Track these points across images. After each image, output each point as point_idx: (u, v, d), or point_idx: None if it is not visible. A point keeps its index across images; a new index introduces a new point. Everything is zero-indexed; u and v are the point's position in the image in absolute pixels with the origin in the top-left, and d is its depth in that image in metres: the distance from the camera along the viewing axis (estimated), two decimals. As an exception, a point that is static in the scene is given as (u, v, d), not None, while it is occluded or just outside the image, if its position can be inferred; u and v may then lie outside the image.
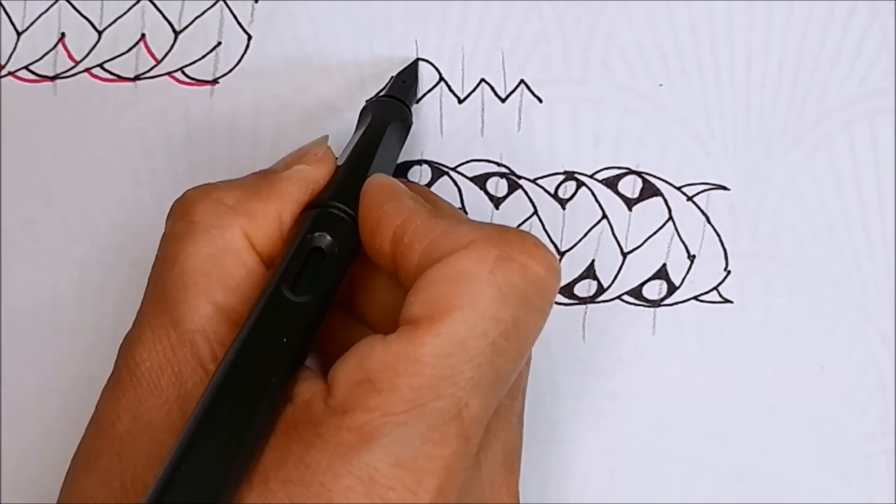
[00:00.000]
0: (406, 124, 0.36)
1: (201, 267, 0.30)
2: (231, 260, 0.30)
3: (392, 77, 0.38)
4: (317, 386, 0.28)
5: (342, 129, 0.38)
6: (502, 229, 0.29)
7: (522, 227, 0.38)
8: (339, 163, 0.33)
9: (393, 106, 0.36)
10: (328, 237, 0.30)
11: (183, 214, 0.31)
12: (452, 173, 0.38)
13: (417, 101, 0.38)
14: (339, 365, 0.28)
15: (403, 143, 0.36)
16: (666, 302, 0.38)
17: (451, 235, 0.29)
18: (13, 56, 0.39)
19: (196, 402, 0.28)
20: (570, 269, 0.37)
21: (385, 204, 0.30)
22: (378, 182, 0.32)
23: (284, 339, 0.28)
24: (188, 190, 0.31)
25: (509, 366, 0.29)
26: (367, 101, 0.36)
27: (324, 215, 0.31)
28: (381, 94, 0.37)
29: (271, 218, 0.31)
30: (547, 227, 0.38)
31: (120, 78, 0.38)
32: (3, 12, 0.39)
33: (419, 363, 0.27)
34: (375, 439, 0.27)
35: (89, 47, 0.39)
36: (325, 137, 0.34)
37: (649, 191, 0.38)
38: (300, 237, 0.30)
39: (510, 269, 0.28)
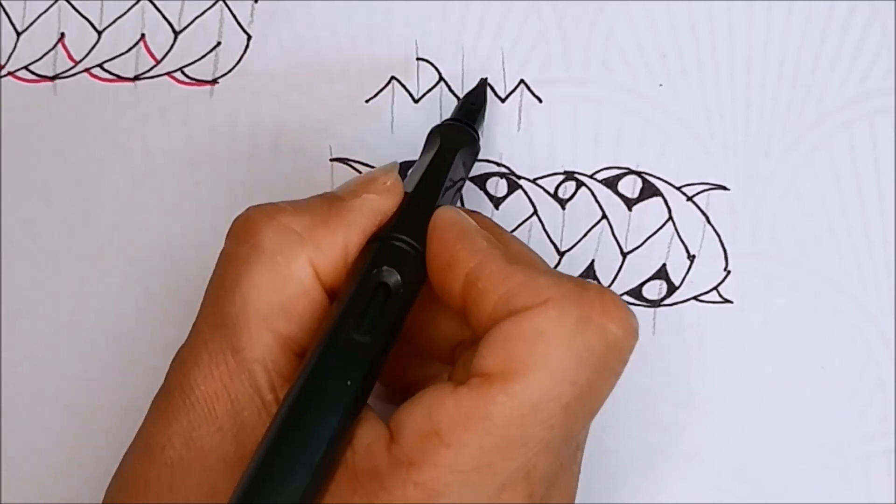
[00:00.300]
0: (474, 150, 0.35)
1: (265, 295, 0.29)
2: (295, 289, 0.29)
3: (460, 99, 0.37)
4: (378, 430, 0.28)
5: (342, 129, 0.38)
6: (583, 285, 0.28)
7: (523, 228, 0.38)
8: (406, 189, 0.32)
9: (461, 130, 0.35)
10: (395, 274, 0.30)
11: (248, 236, 0.30)
12: (452, 173, 0.38)
13: (417, 102, 0.38)
14: (406, 413, 0.27)
15: (471, 169, 0.36)
16: (666, 302, 0.38)
17: (530, 288, 0.28)
18: (13, 56, 0.39)
19: (251, 432, 0.28)
20: (569, 269, 0.37)
21: (457, 243, 0.30)
22: (447, 218, 0.31)
23: (348, 382, 0.28)
24: (252, 209, 0.31)
25: (579, 427, 0.28)
26: (434, 126, 0.35)
27: (390, 248, 0.30)
28: (450, 117, 0.36)
29: (338, 248, 0.30)
30: (547, 227, 0.38)
31: (120, 78, 0.38)
32: (3, 12, 0.39)
33: (491, 422, 0.26)
34: (443, 496, 0.26)
35: (89, 47, 0.39)
36: (395, 165, 0.33)
37: (649, 191, 0.38)
38: (364, 272, 0.30)
39: (590, 331, 0.27)
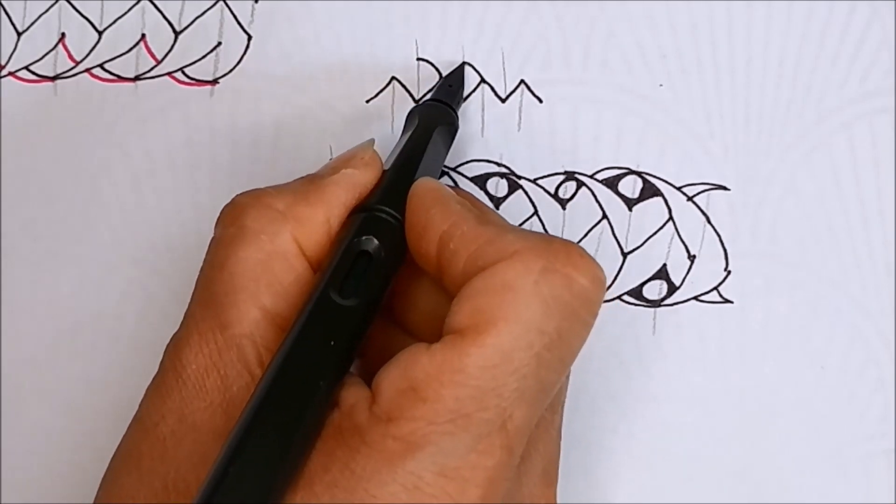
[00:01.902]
0: (452, 129, 0.36)
1: (251, 272, 0.30)
2: (280, 265, 0.30)
3: (438, 80, 0.38)
4: (361, 392, 0.28)
5: (342, 130, 0.38)
6: (548, 239, 0.29)
7: (524, 228, 0.38)
8: (386, 167, 0.33)
9: (439, 110, 0.36)
10: (375, 241, 0.30)
11: (234, 219, 0.31)
12: (453, 173, 0.38)
13: (417, 102, 0.38)
14: (384, 373, 0.28)
15: (450, 147, 0.36)
16: (666, 302, 0.38)
17: (497, 244, 0.29)
18: (13, 56, 0.39)
19: (241, 406, 0.28)
20: (570, 269, 0.37)
21: (432, 208, 0.31)
22: (425, 186, 0.32)
23: (332, 343, 0.29)
24: (238, 195, 0.32)
25: (553, 377, 0.29)
26: (413, 106, 0.37)
27: (371, 219, 0.31)
28: (428, 98, 0.37)
29: (320, 222, 0.31)
30: (547, 227, 0.38)
31: (120, 78, 0.38)
32: (3, 12, 0.39)
33: (464, 373, 0.27)
34: (420, 448, 0.27)
35: (89, 47, 0.39)
36: (371, 141, 0.34)
37: (649, 191, 0.38)
38: (347, 241, 0.31)
39: (555, 280, 0.28)
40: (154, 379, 0.31)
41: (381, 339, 0.32)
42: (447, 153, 0.36)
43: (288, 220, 0.31)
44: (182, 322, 0.31)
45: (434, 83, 0.38)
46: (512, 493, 0.29)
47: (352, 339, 0.29)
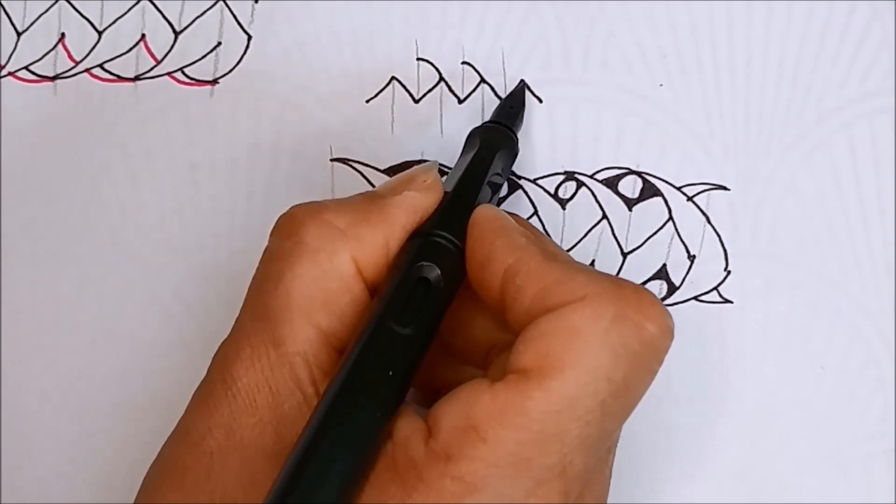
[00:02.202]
0: (513, 152, 0.36)
1: (307, 290, 0.30)
2: (337, 285, 0.30)
3: (500, 102, 0.37)
4: (416, 424, 0.28)
5: (342, 129, 0.38)
6: (619, 284, 0.28)
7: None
8: (446, 188, 0.32)
9: (500, 133, 0.35)
10: (436, 269, 0.30)
11: (291, 233, 0.30)
12: (452, 173, 0.38)
13: (417, 102, 0.38)
14: (443, 408, 0.28)
15: (509, 171, 0.36)
16: (666, 302, 0.38)
17: (567, 284, 0.28)
18: (13, 56, 0.39)
19: (291, 425, 0.28)
20: (570, 269, 0.37)
21: (497, 239, 0.30)
22: (487, 214, 0.31)
23: (390, 373, 0.28)
24: (295, 207, 0.31)
25: (615, 424, 0.29)
26: (474, 128, 0.36)
27: (430, 244, 0.31)
28: (490, 120, 0.37)
29: (379, 244, 0.31)
30: (547, 227, 0.38)
31: (120, 78, 0.38)
32: (3, 12, 0.39)
33: (527, 417, 0.27)
34: (479, 490, 0.26)
35: (89, 47, 0.39)
36: (435, 163, 0.33)
37: (649, 191, 0.38)
38: (406, 266, 0.30)
39: (626, 328, 0.28)
40: (200, 388, 0.30)
41: (432, 365, 0.31)
42: (506, 178, 0.36)
43: (348, 240, 0.30)
44: (232, 331, 0.30)
45: (434, 83, 0.38)
46: None
47: (409, 369, 0.29)
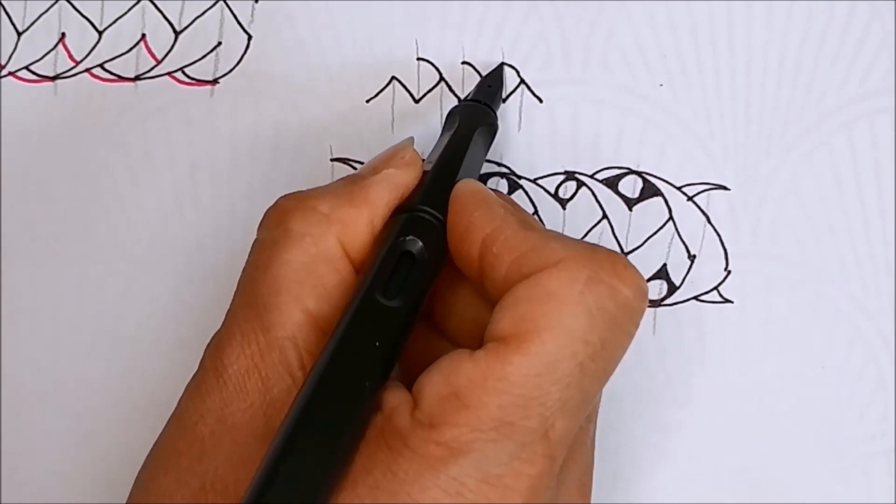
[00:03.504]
0: (492, 129, 0.36)
1: (295, 274, 0.30)
2: (325, 268, 0.30)
3: (478, 81, 0.37)
4: (402, 396, 0.28)
5: (342, 129, 0.38)
6: (593, 249, 0.29)
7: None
8: (427, 167, 0.33)
9: (479, 110, 0.36)
10: (419, 242, 0.30)
11: (278, 222, 0.31)
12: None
13: (417, 102, 0.38)
14: (426, 378, 0.28)
15: (489, 148, 0.36)
16: (666, 302, 0.38)
17: (542, 251, 0.29)
18: (13, 56, 0.39)
19: (281, 409, 0.28)
20: (570, 269, 0.37)
21: (476, 210, 0.30)
22: (468, 187, 0.32)
23: (377, 343, 0.29)
24: (281, 198, 0.32)
25: (595, 387, 0.29)
26: (454, 106, 0.36)
27: (413, 219, 0.31)
28: (468, 97, 0.37)
29: (364, 224, 0.31)
30: (547, 226, 0.38)
31: (120, 78, 0.38)
32: (3, 12, 0.39)
33: (508, 381, 0.27)
34: (464, 454, 0.27)
35: (89, 47, 0.39)
36: (411, 140, 0.34)
37: (649, 191, 0.38)
38: (391, 241, 0.31)
39: (600, 290, 0.28)
40: (194, 377, 0.30)
41: (420, 344, 0.32)
42: (487, 154, 0.36)
43: (333, 223, 0.31)
44: (224, 322, 0.31)
45: (434, 83, 0.38)
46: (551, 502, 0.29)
47: (396, 341, 0.29)
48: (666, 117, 0.38)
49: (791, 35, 0.38)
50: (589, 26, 0.38)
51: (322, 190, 0.32)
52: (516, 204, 0.34)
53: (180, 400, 0.30)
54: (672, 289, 0.38)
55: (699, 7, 0.38)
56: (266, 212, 0.32)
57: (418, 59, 0.38)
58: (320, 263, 0.30)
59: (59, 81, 0.38)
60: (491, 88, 0.37)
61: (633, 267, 0.29)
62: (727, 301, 0.38)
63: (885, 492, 0.37)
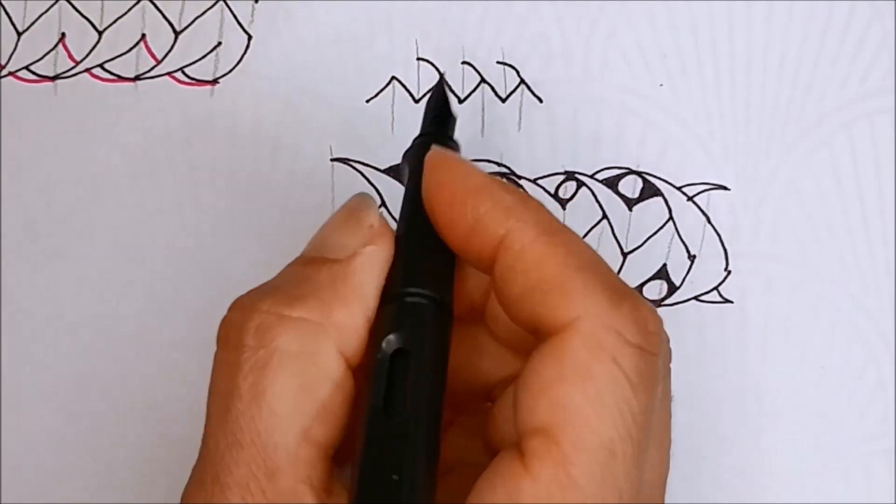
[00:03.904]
0: (451, 144, 0.32)
1: (298, 404, 0.26)
2: (326, 389, 0.26)
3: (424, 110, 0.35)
4: None
5: (342, 129, 0.38)
6: (615, 304, 0.26)
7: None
8: (397, 232, 0.29)
9: (425, 147, 0.30)
10: (410, 335, 0.26)
11: (259, 339, 0.26)
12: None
13: (417, 102, 0.38)
14: (487, 496, 0.25)
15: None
16: (666, 302, 0.38)
17: (561, 293, 0.26)
18: (13, 56, 0.39)
19: None
20: (570, 269, 0.37)
21: (481, 204, 0.27)
22: (451, 175, 0.28)
23: (394, 477, 0.25)
24: (246, 302, 0.27)
25: (646, 442, 0.26)
26: (404, 151, 0.32)
27: (401, 309, 0.27)
28: (417, 135, 0.33)
29: (360, 322, 0.27)
30: (547, 227, 0.38)
31: (120, 78, 0.38)
32: (3, 12, 0.39)
33: (577, 489, 0.24)
34: None
35: (89, 47, 0.39)
36: (369, 199, 0.29)
37: (649, 191, 0.38)
38: (378, 345, 0.27)
39: (628, 355, 0.25)
40: None
41: (464, 340, 0.29)
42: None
43: (329, 333, 0.26)
44: (200, 466, 0.26)
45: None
46: None
47: (421, 459, 0.25)
48: (666, 117, 0.38)
49: (791, 35, 0.38)
50: (589, 26, 0.38)
51: (301, 290, 0.27)
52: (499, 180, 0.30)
53: None
54: (672, 289, 0.38)
55: (699, 7, 0.38)
56: (230, 320, 0.27)
57: (418, 59, 0.38)
58: (321, 386, 0.26)
59: (59, 81, 0.38)
60: (436, 115, 0.33)
61: (655, 316, 0.26)
62: (727, 301, 0.38)
63: (885, 492, 0.37)
